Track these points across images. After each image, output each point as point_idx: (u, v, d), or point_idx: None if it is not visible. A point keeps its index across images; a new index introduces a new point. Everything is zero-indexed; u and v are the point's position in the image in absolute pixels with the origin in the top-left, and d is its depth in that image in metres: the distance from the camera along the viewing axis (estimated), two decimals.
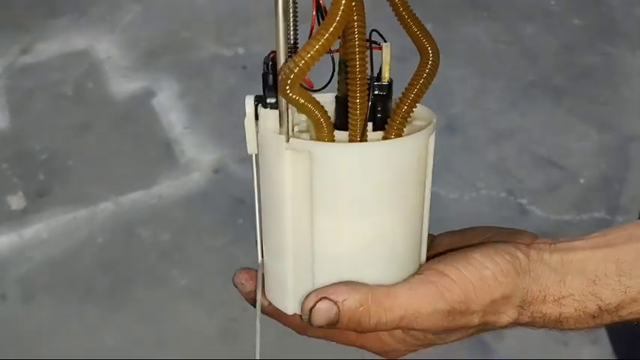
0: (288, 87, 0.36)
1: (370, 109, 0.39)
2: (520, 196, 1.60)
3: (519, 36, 1.96)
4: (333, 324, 0.38)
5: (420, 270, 0.41)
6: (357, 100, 0.38)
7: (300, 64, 0.36)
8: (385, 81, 0.40)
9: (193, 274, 1.45)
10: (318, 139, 0.38)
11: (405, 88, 0.40)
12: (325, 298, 0.38)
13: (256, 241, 0.43)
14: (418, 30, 0.40)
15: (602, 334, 1.27)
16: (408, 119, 0.40)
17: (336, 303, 0.38)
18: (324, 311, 0.38)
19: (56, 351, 1.34)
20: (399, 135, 0.40)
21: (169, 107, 1.79)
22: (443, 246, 0.45)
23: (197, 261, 1.48)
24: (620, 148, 1.70)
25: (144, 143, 1.71)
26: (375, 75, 0.40)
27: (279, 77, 0.37)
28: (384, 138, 0.40)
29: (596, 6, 2.06)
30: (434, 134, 0.42)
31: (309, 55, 0.36)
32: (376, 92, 0.40)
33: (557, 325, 0.42)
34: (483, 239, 0.44)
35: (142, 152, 1.69)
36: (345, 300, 0.38)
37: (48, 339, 1.37)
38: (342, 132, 0.39)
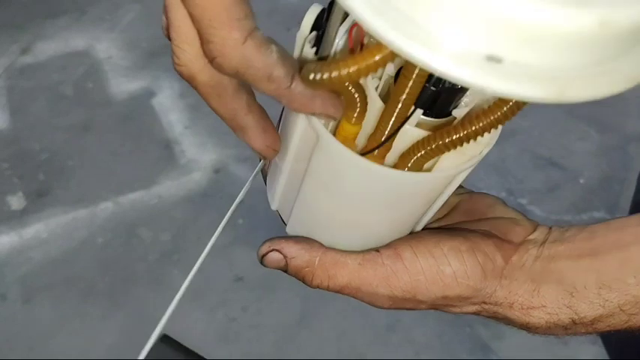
0: (310, 79, 0.31)
1: (430, 97, 0.34)
2: (520, 196, 1.60)
3: None
4: (283, 270, 0.41)
5: (382, 246, 0.40)
6: (394, 114, 0.33)
7: (332, 76, 0.30)
8: None
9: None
10: (346, 118, 0.35)
11: (465, 119, 0.33)
12: (277, 250, 0.40)
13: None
14: None
15: None
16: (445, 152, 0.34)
17: (285, 257, 0.40)
18: (274, 261, 0.41)
19: (56, 351, 1.34)
20: (418, 167, 0.35)
21: (169, 107, 1.78)
22: (447, 205, 0.43)
23: (197, 261, 1.47)
24: (621, 149, 1.70)
25: (144, 143, 1.71)
26: None
27: (304, 68, 0.31)
28: (400, 161, 0.35)
29: None
30: (468, 171, 0.37)
31: (345, 72, 0.30)
32: (440, 83, 0.33)
33: (523, 329, 0.40)
34: (482, 218, 0.42)
35: (142, 152, 1.69)
36: (293, 258, 0.40)
37: (48, 339, 1.36)
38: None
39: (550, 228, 0.41)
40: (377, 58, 0.29)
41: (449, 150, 0.34)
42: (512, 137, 1.70)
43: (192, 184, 1.62)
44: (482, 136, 0.33)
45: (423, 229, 0.42)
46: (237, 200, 0.43)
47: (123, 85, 1.84)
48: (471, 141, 0.33)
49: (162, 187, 1.61)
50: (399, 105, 0.33)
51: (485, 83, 0.24)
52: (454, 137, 0.33)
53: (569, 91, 0.24)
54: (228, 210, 0.42)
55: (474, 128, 0.32)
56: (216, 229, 0.43)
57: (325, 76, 0.30)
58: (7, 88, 1.83)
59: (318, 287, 0.40)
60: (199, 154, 1.68)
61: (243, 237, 1.49)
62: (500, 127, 0.34)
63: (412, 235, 0.41)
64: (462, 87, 0.34)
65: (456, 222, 0.43)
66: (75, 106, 1.79)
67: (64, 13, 2.02)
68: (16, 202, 1.59)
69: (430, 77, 0.33)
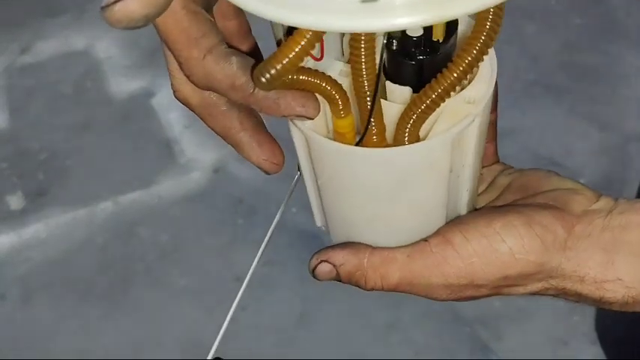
0: (263, 83, 0.31)
1: (414, 72, 0.34)
2: None
3: (520, 35, 1.96)
4: (338, 280, 0.40)
5: (430, 235, 0.38)
6: (365, 86, 0.32)
7: (284, 63, 0.30)
8: (437, 38, 0.34)
9: (193, 274, 1.45)
10: (334, 114, 0.35)
11: (438, 76, 0.32)
12: (325, 261, 0.39)
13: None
14: None
15: None
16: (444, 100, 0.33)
17: (334, 266, 0.39)
18: (325, 273, 0.40)
19: (55, 351, 1.34)
20: (414, 132, 0.34)
21: (169, 107, 1.78)
22: (498, 187, 0.42)
23: (197, 261, 1.47)
24: (621, 148, 1.70)
25: (143, 143, 1.71)
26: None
27: (254, 75, 0.32)
28: (396, 135, 0.35)
29: (597, 5, 2.06)
30: (475, 122, 0.35)
31: (293, 54, 0.30)
32: (419, 56, 0.34)
33: (596, 304, 0.38)
34: (537, 192, 0.40)
35: (142, 152, 1.69)
36: (342, 265, 0.39)
37: (47, 339, 1.36)
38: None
39: (617, 199, 0.38)
40: (308, 36, 0.29)
41: (436, 106, 0.33)
42: (512, 136, 1.70)
43: (191, 183, 1.61)
44: (460, 83, 0.33)
45: (471, 212, 0.41)
46: (277, 218, 0.43)
47: (122, 85, 1.84)
48: (454, 91, 0.33)
49: (161, 187, 1.61)
50: (365, 83, 0.32)
51: (369, 24, 0.25)
52: (438, 90, 0.32)
53: (449, 10, 0.25)
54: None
55: (453, 76, 0.32)
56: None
57: (273, 72, 0.31)
58: (7, 88, 1.83)
59: (373, 289, 0.39)
60: (199, 154, 1.67)
61: (243, 237, 1.49)
62: (487, 74, 0.35)
63: (461, 218, 0.39)
64: (442, 56, 0.34)
65: (510, 202, 0.41)
66: (74, 106, 1.79)
67: (64, 12, 2.02)
68: (15, 201, 1.59)
69: (405, 53, 0.34)
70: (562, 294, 0.38)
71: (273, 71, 0.31)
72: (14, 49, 1.92)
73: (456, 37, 0.35)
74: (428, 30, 0.34)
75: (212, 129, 0.38)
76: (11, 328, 1.38)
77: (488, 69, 0.36)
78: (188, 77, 0.35)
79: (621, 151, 1.69)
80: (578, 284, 0.37)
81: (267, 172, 0.39)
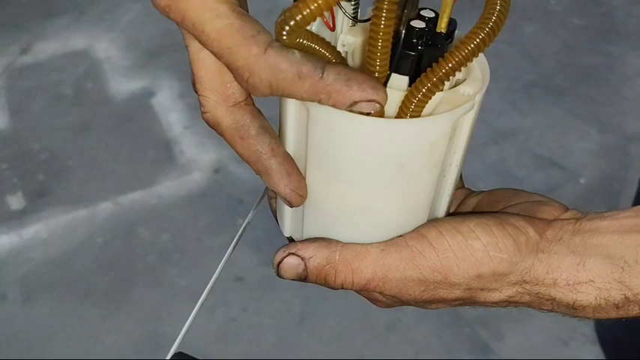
0: (285, 34, 0.32)
1: (413, 63, 0.34)
2: None
3: (520, 36, 1.96)
4: (302, 279, 0.38)
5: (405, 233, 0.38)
6: (377, 61, 0.33)
7: (304, 13, 0.31)
8: (440, 30, 0.34)
9: (193, 274, 1.45)
10: None
11: (445, 55, 0.33)
12: (293, 254, 0.38)
13: None
14: None
15: None
16: (441, 87, 0.34)
17: (303, 259, 0.38)
18: (291, 267, 0.38)
19: (56, 351, 1.34)
20: (417, 113, 0.34)
21: (169, 107, 1.78)
22: (467, 207, 0.42)
23: (197, 261, 1.47)
24: (621, 148, 1.70)
25: (143, 143, 1.71)
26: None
27: (277, 20, 0.32)
28: (399, 114, 0.35)
29: (596, 6, 2.06)
30: (473, 111, 0.36)
31: (315, 5, 0.30)
32: (419, 46, 0.34)
33: (569, 311, 0.38)
34: (506, 205, 0.40)
35: (142, 152, 1.69)
36: (311, 257, 0.38)
37: (47, 339, 1.36)
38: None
39: (586, 213, 0.39)
40: None
41: (437, 89, 0.33)
42: (512, 137, 1.70)
43: (191, 184, 1.62)
44: (461, 68, 0.33)
45: (445, 216, 0.41)
46: (245, 222, 0.42)
47: (122, 85, 1.84)
48: (456, 74, 0.33)
49: (161, 187, 1.61)
50: (377, 69, 0.33)
51: None
52: (442, 71, 0.33)
53: None
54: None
55: (456, 59, 0.33)
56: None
57: (299, 18, 0.31)
58: (7, 88, 1.83)
59: (342, 286, 0.38)
60: (199, 154, 1.68)
61: (243, 237, 1.48)
62: (478, 76, 0.36)
63: (435, 219, 0.39)
64: (441, 47, 0.34)
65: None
66: (74, 106, 1.79)
67: (64, 12, 2.02)
68: (15, 202, 1.59)
69: (405, 43, 0.34)
70: (536, 300, 0.38)
71: (299, 17, 0.30)
72: (14, 49, 1.92)
73: (453, 37, 0.35)
74: (431, 22, 0.34)
75: (241, 154, 0.36)
76: (12, 328, 1.38)
77: (478, 72, 0.37)
78: (248, 79, 0.33)
79: (621, 151, 1.70)
80: (552, 288, 0.37)
81: (290, 204, 0.37)
